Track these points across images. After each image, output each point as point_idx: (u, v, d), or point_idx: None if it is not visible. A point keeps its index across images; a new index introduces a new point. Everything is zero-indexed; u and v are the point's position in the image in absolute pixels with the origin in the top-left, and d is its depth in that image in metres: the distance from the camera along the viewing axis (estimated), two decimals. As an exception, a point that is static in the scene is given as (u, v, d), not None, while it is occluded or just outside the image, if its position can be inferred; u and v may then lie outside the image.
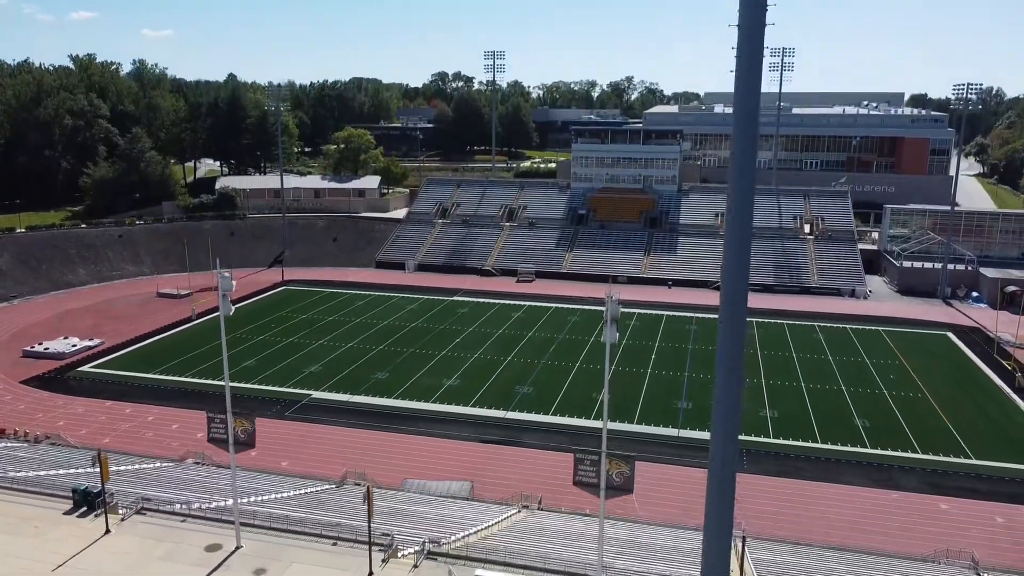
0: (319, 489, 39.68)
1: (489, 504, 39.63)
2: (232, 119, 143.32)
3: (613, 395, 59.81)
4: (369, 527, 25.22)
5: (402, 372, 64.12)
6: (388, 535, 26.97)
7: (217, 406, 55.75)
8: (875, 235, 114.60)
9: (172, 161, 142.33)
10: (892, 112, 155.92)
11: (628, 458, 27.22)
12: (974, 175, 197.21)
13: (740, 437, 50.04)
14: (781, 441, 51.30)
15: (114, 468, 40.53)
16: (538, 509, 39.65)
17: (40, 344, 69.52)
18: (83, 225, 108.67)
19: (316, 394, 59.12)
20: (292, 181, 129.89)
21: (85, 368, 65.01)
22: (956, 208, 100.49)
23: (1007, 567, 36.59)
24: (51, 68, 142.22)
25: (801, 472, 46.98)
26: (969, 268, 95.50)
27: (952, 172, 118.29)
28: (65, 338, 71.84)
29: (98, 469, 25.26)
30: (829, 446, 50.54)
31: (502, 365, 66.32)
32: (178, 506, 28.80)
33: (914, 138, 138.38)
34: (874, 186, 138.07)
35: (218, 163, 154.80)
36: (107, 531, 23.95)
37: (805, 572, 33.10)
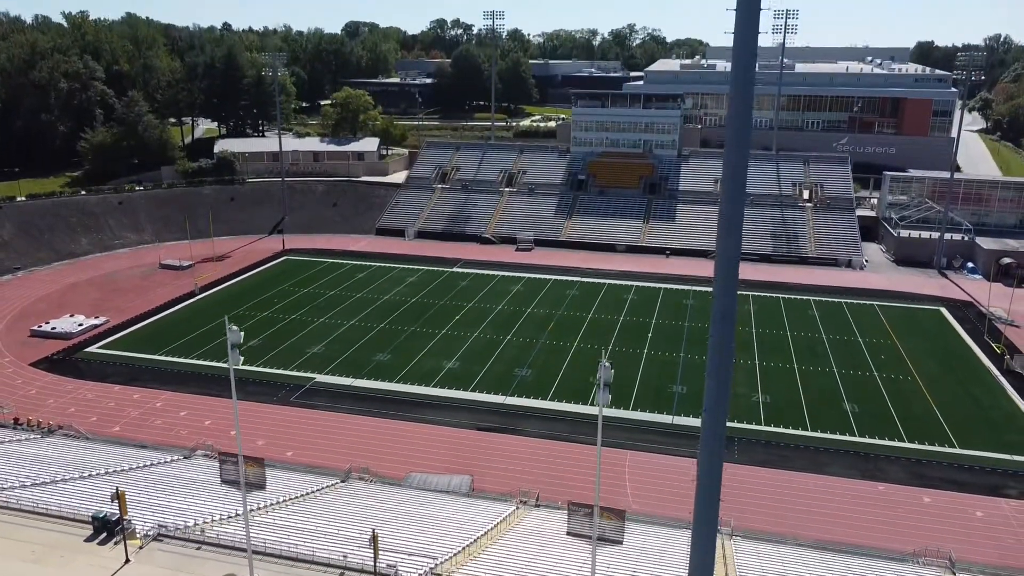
0: (326, 486, 41.21)
1: (489, 502, 41.20)
2: (229, 80, 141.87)
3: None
4: (375, 567, 26.34)
5: (403, 354, 65.40)
6: (392, 567, 28.10)
7: (224, 391, 57.33)
8: (874, 201, 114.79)
9: (170, 122, 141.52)
10: (896, 70, 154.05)
11: (619, 512, 28.52)
12: (976, 131, 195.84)
13: (732, 425, 51.84)
14: (772, 429, 52.83)
15: (127, 466, 42.12)
16: (535, 507, 41.25)
17: (47, 323, 70.65)
18: (83, 192, 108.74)
19: (320, 378, 60.49)
20: (291, 144, 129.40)
21: (92, 349, 66.26)
22: (956, 176, 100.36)
23: (983, 565, 38.36)
24: (41, 19, 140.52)
25: (789, 462, 48.57)
26: (965, 238, 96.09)
27: (954, 134, 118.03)
28: (71, 316, 72.97)
29: (117, 495, 26.62)
30: (818, 434, 52.09)
31: (501, 345, 67.58)
32: (193, 523, 30.23)
33: (917, 99, 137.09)
34: (875, 147, 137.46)
35: (216, 123, 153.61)
36: (127, 560, 25.40)
37: (784, 573, 34.78)
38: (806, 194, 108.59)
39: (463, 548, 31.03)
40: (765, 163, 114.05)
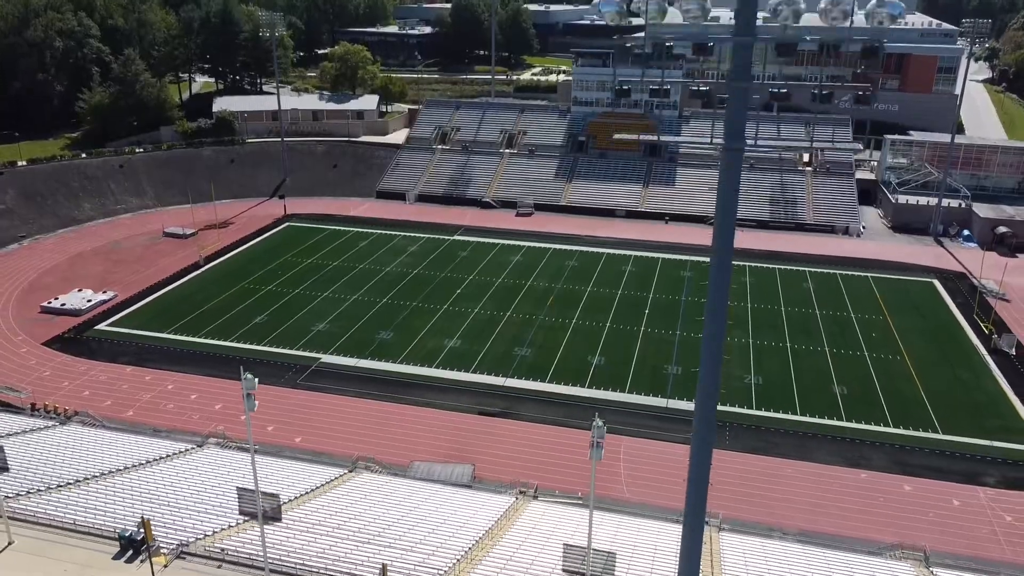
0: (335, 478, 43.26)
1: (489, 494, 43.31)
2: (225, 35, 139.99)
3: (607, 356, 63.07)
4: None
5: (406, 331, 66.99)
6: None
7: (233, 373, 59.07)
8: (874, 163, 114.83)
9: (168, 79, 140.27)
10: (902, 23, 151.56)
11: (610, 554, 30.45)
12: (982, 80, 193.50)
13: (725, 409, 53.58)
14: (762, 413, 54.75)
15: (145, 457, 44.12)
16: (533, 498, 43.40)
17: (56, 299, 72.07)
18: (83, 155, 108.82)
19: (325, 358, 62.21)
20: (289, 102, 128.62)
21: (102, 327, 67.84)
22: (956, 140, 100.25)
23: (956, 556, 40.65)
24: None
25: (777, 448, 50.61)
26: (962, 205, 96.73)
27: (958, 90, 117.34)
28: (79, 291, 74.35)
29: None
30: (807, 418, 54.04)
31: (501, 322, 69.12)
32: (213, 532, 32.26)
33: (922, 55, 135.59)
34: (877, 104, 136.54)
35: (213, 79, 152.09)
36: (153, 579, 27.54)
37: (767, 565, 37.03)
38: (806, 157, 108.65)
39: (465, 553, 33.14)
40: (766, 125, 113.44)
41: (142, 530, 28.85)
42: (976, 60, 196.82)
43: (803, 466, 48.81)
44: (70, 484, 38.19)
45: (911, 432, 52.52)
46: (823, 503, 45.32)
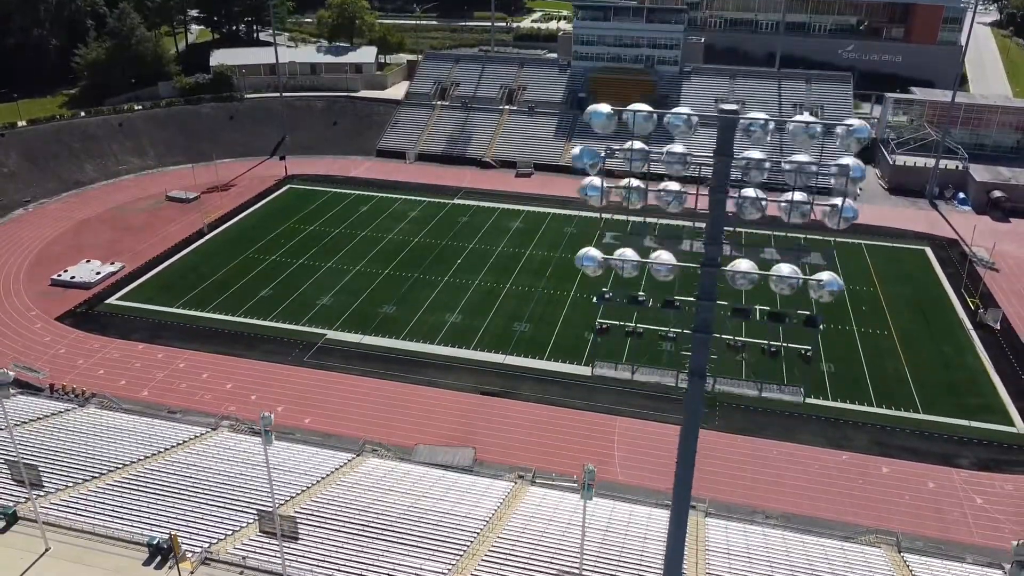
0: (343, 464, 45.76)
1: (490, 480, 45.88)
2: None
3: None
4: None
5: (408, 306, 68.80)
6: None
7: (242, 350, 61.18)
8: (875, 119, 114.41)
9: (163, 30, 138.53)
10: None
11: None
12: (989, 23, 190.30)
13: (716, 387, 55.37)
14: (753, 392, 56.88)
15: (165, 444, 46.56)
16: (531, 483, 46.01)
17: (66, 271, 73.68)
18: (83, 114, 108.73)
19: (331, 334, 64.23)
20: (287, 54, 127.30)
21: (112, 301, 69.65)
22: (957, 100, 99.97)
23: (927, 539, 43.43)
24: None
25: (764, 430, 52.99)
26: (960, 167, 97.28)
27: (963, 41, 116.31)
28: (87, 262, 75.91)
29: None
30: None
31: (501, 295, 70.87)
32: (232, 532, 34.84)
33: (928, 5, 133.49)
34: (881, 55, 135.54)
35: (209, 28, 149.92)
36: (183, 585, 30.08)
37: (748, 552, 39.78)
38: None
39: (467, 549, 35.78)
40: (767, 81, 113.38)
41: (168, 538, 31.31)
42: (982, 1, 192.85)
43: (789, 447, 51.31)
44: (95, 478, 40.66)
45: (893, 412, 54.89)
46: (806, 485, 47.94)
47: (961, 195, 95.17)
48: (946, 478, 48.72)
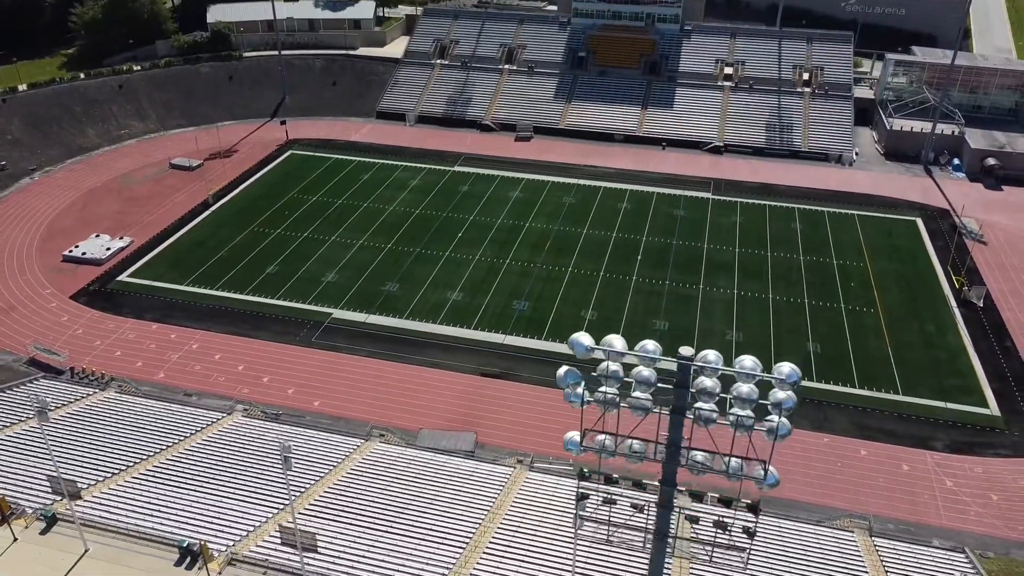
0: (352, 452, 48.75)
1: (490, 465, 48.94)
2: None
3: (600, 310, 67.51)
4: None
5: (410, 283, 70.96)
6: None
7: (252, 330, 63.58)
8: (875, 78, 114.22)
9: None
10: None
11: None
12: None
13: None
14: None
15: (184, 432, 49.48)
16: (529, 468, 49.09)
17: (76, 247, 75.64)
18: (82, 76, 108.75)
19: (336, 313, 66.61)
20: (284, 9, 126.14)
21: (124, 278, 71.78)
22: (957, 62, 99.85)
23: (898, 522, 46.65)
24: None
25: (751, 412, 55.80)
26: (956, 132, 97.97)
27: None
28: (97, 236, 77.81)
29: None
30: (780, 379, 58.92)
31: (501, 271, 72.96)
32: (253, 529, 37.93)
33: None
34: (884, 8, 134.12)
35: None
36: (211, 584, 33.20)
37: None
38: (805, 76, 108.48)
39: (470, 541, 38.97)
40: (768, 41, 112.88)
41: (197, 542, 34.33)
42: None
43: (772, 430, 54.09)
44: (124, 470, 43.68)
45: (873, 393, 57.64)
46: (788, 468, 50.67)
47: (956, 161, 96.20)
48: (920, 461, 51.75)
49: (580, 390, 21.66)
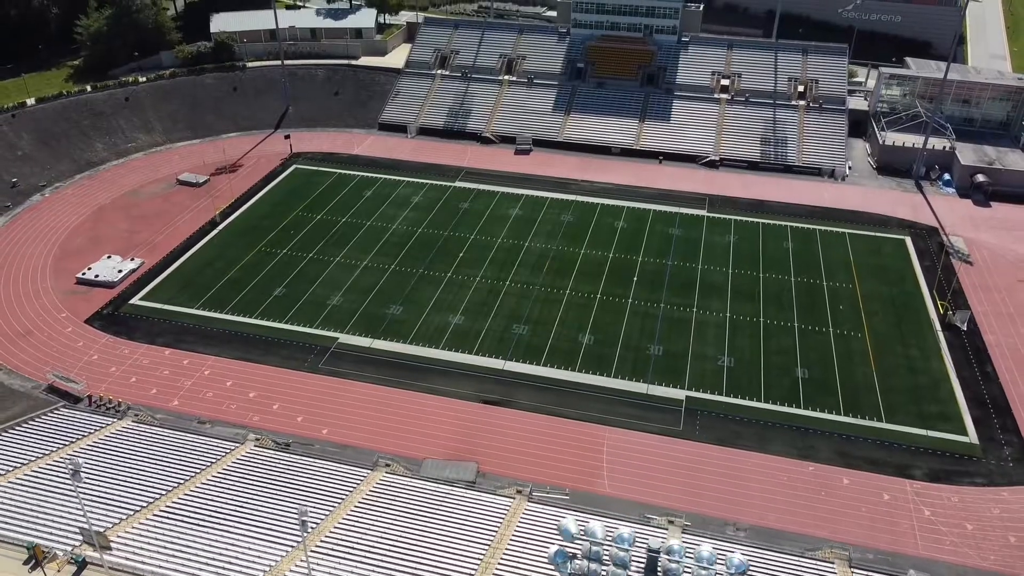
0: (359, 484, 51.32)
1: (491, 496, 51.53)
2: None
3: (596, 334, 69.89)
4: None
5: (413, 305, 73.29)
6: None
7: (261, 356, 65.87)
8: (870, 89, 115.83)
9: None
10: None
11: None
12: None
13: (697, 395, 60.90)
14: (730, 400, 62.10)
15: (199, 465, 51.98)
16: (528, 499, 51.69)
17: (89, 269, 77.88)
18: (88, 88, 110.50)
19: (343, 338, 68.98)
20: (286, 18, 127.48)
21: (136, 301, 74.08)
22: (949, 77, 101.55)
23: (877, 551, 49.25)
24: None
25: (739, 439, 58.33)
26: (947, 147, 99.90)
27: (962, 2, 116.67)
28: (108, 257, 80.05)
29: None
30: (769, 405, 61.47)
31: (501, 293, 75.24)
32: (278, 567, 40.63)
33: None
34: (881, 15, 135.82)
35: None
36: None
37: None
38: (801, 89, 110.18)
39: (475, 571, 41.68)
40: (764, 53, 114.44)
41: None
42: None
43: (761, 459, 56.67)
44: (146, 507, 46.32)
45: (857, 420, 60.06)
46: (774, 497, 53.49)
47: (947, 176, 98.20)
48: (900, 489, 54.28)
49: (568, 569, 25.98)
